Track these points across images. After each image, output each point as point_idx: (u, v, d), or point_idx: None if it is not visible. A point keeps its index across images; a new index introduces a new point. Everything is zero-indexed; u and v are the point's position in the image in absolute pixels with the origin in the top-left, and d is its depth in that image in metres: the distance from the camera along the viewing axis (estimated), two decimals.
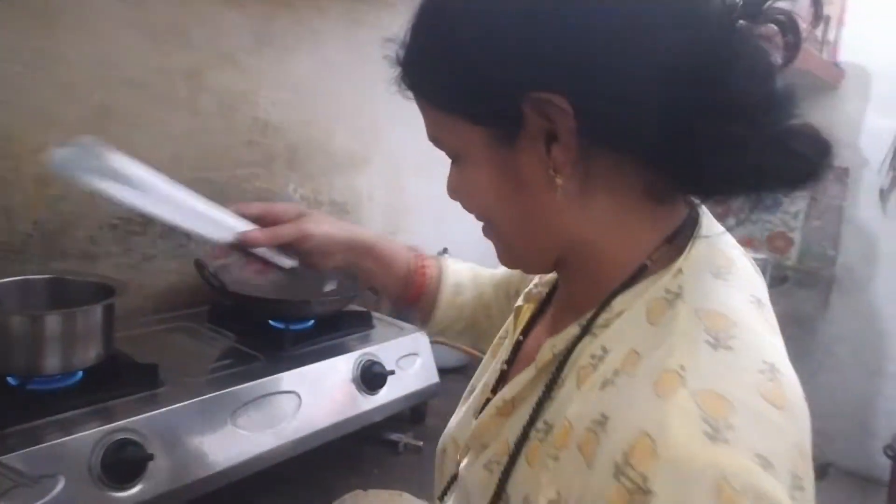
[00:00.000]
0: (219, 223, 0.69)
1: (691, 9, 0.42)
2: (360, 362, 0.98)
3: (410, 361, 1.08)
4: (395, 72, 0.52)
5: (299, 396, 0.88)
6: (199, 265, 0.99)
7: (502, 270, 0.82)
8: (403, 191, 1.51)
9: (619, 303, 0.46)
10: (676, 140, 0.42)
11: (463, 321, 0.82)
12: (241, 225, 0.70)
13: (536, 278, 0.65)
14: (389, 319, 1.16)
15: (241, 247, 0.69)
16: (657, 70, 0.41)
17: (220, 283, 0.97)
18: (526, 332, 0.60)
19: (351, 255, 0.75)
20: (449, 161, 0.52)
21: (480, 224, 0.54)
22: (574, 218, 0.47)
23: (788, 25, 0.43)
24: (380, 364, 1.00)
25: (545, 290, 0.62)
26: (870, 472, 2.73)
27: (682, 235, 0.47)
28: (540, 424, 0.47)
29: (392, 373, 1.00)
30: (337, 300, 1.04)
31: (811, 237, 2.79)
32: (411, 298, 0.80)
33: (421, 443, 1.02)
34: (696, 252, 0.46)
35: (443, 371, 1.22)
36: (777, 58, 0.43)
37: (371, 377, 0.98)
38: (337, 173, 1.34)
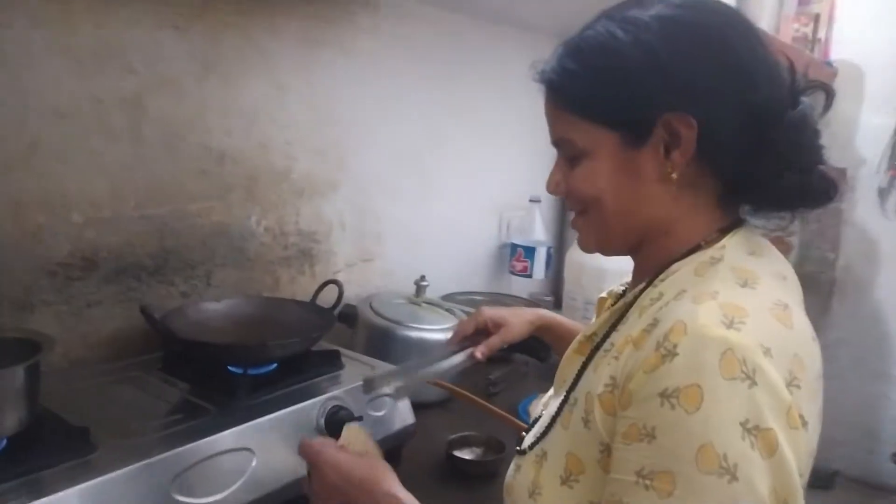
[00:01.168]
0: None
1: (772, 76, 0.61)
2: (325, 408, 0.90)
3: (382, 403, 0.99)
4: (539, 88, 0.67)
5: (253, 453, 0.79)
6: (146, 312, 0.90)
7: None
8: (376, 216, 1.43)
9: (675, 266, 0.62)
10: (748, 164, 0.60)
11: None
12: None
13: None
14: (362, 358, 1.07)
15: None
16: (748, 109, 0.59)
17: (167, 329, 0.89)
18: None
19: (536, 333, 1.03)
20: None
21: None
22: (665, 205, 0.63)
23: (826, 89, 0.65)
24: (347, 410, 0.91)
25: (623, 288, 0.78)
26: (878, 479, 2.63)
27: (733, 229, 0.64)
28: (607, 346, 0.63)
29: (360, 418, 0.91)
30: (297, 342, 0.95)
31: (810, 240, 2.71)
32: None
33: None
34: (738, 237, 0.63)
35: (421, 406, 1.13)
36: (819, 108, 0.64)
37: (337, 424, 0.89)
38: (302, 201, 1.26)
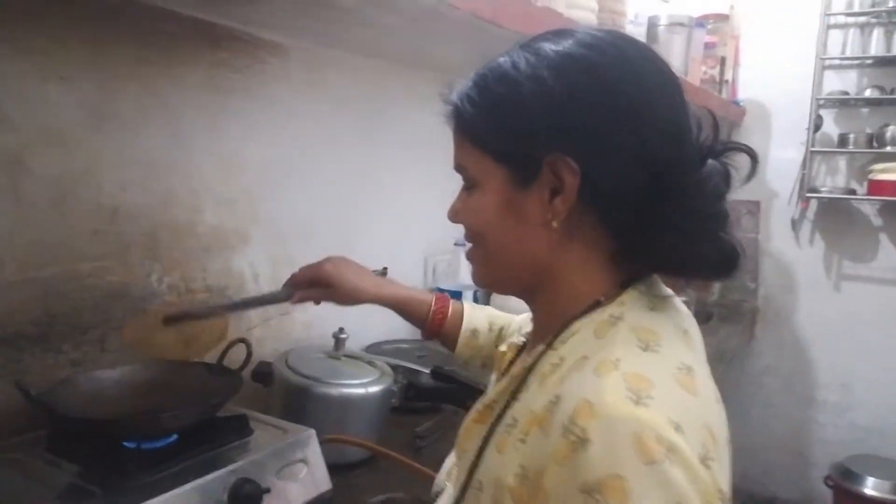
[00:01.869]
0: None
1: (679, 134, 0.58)
2: (229, 483, 0.83)
3: (296, 470, 0.93)
4: (446, 110, 0.65)
5: None
6: (20, 386, 0.82)
7: (520, 321, 0.99)
8: (293, 265, 1.37)
9: (575, 326, 0.59)
10: (641, 222, 0.57)
11: (480, 359, 1.04)
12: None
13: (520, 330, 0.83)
14: (273, 421, 1.01)
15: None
16: (643, 166, 0.56)
17: (45, 405, 0.81)
18: (505, 372, 0.72)
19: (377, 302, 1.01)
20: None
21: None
22: (552, 254, 0.61)
23: (749, 154, 0.61)
24: (253, 482, 0.84)
25: (523, 339, 0.75)
26: (812, 502, 2.69)
27: (633, 281, 0.60)
28: (509, 420, 0.59)
29: (267, 490, 0.85)
30: (195, 410, 0.88)
31: None
32: (429, 336, 1.04)
33: None
34: (637, 291, 0.60)
35: (344, 467, 1.08)
36: (739, 174, 0.61)
37: (242, 500, 0.82)
38: (210, 256, 1.19)
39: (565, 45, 0.58)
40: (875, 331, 2.58)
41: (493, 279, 0.68)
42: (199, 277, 1.18)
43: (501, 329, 1.05)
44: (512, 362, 0.74)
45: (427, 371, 1.28)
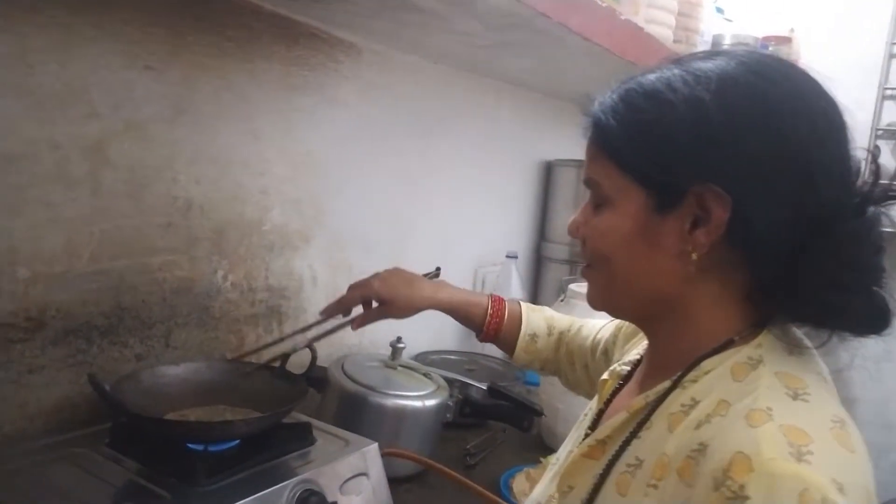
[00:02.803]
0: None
1: (845, 178, 0.53)
2: (295, 494, 0.80)
3: (358, 484, 0.90)
4: (585, 121, 0.62)
5: None
6: (94, 380, 0.80)
7: (588, 330, 0.99)
8: (351, 270, 1.35)
9: (707, 364, 0.55)
10: (791, 267, 0.52)
11: (539, 362, 1.03)
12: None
13: (625, 355, 0.78)
14: (335, 430, 0.98)
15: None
16: (803, 208, 0.51)
17: (118, 402, 0.79)
18: (608, 402, 0.70)
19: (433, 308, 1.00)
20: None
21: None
22: (682, 287, 0.57)
23: None
24: (319, 494, 0.82)
25: (627, 368, 0.72)
26: None
27: (765, 323, 0.56)
28: (631, 460, 0.56)
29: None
30: (266, 418, 0.86)
31: None
32: (486, 339, 1.03)
33: None
34: (773, 333, 0.55)
35: (392, 481, 1.05)
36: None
37: None
38: (273, 255, 1.17)
39: (728, 66, 0.54)
40: None
41: (610, 305, 0.64)
42: (261, 276, 1.16)
43: (561, 333, 1.03)
44: (616, 392, 0.71)
45: (483, 387, 1.25)
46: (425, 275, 1.09)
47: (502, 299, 1.04)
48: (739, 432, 0.47)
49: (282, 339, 1.09)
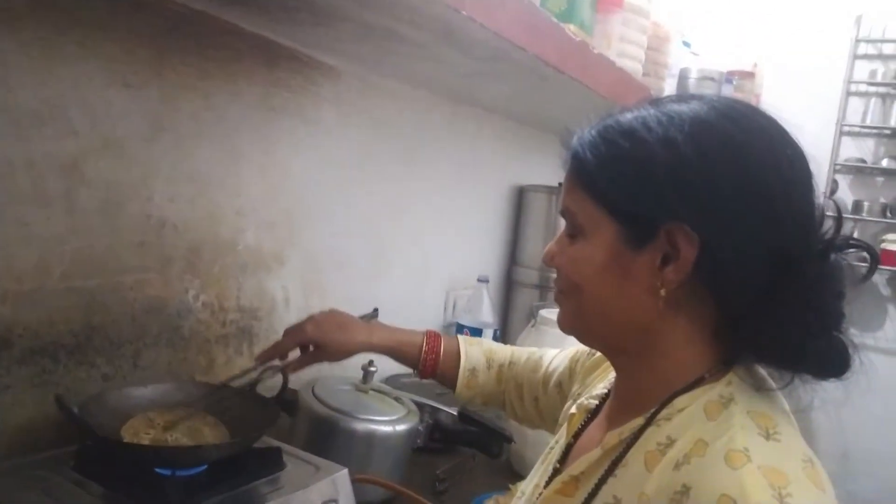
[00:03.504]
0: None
1: (809, 223, 0.56)
2: None
3: None
4: (565, 154, 0.64)
5: None
6: (61, 402, 0.79)
7: (536, 362, 1.00)
8: (325, 291, 1.35)
9: (679, 402, 0.56)
10: (756, 308, 0.54)
11: (481, 397, 1.04)
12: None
13: (590, 388, 0.78)
14: (306, 456, 0.97)
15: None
16: (769, 251, 0.54)
17: (85, 424, 0.77)
18: (576, 436, 0.71)
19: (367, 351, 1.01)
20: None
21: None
22: (652, 321, 0.58)
23: (869, 252, 0.59)
24: None
25: (595, 402, 0.73)
26: None
27: (733, 360, 0.58)
28: (608, 499, 0.56)
29: None
30: (237, 443, 0.85)
31: None
32: (425, 377, 1.04)
33: None
34: (741, 370, 0.57)
35: None
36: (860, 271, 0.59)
37: None
38: (246, 275, 1.17)
39: (701, 110, 0.56)
40: (878, 402, 2.58)
41: (580, 331, 0.66)
42: (233, 296, 1.15)
43: (501, 366, 1.03)
44: (584, 427, 0.72)
45: (453, 412, 1.25)
46: (362, 316, 1.10)
47: (438, 335, 1.05)
48: (722, 474, 0.48)
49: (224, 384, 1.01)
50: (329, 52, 1.22)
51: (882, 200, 2.72)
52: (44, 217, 0.85)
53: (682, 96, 0.60)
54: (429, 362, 1.01)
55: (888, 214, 2.68)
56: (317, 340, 0.98)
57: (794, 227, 0.54)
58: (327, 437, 1.10)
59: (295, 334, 0.99)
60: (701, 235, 0.54)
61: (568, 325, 0.66)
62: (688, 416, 0.55)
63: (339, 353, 1.00)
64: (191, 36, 1.00)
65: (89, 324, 0.92)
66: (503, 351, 1.05)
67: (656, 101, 0.60)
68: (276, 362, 1.01)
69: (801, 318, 0.53)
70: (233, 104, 1.08)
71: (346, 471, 0.94)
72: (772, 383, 0.58)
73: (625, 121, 0.59)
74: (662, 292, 0.56)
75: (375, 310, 1.17)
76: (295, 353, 1.02)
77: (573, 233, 0.62)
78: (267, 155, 1.16)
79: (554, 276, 0.68)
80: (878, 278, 2.69)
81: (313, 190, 1.28)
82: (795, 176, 0.56)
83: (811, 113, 2.75)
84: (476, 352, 1.04)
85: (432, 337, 1.03)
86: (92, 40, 0.87)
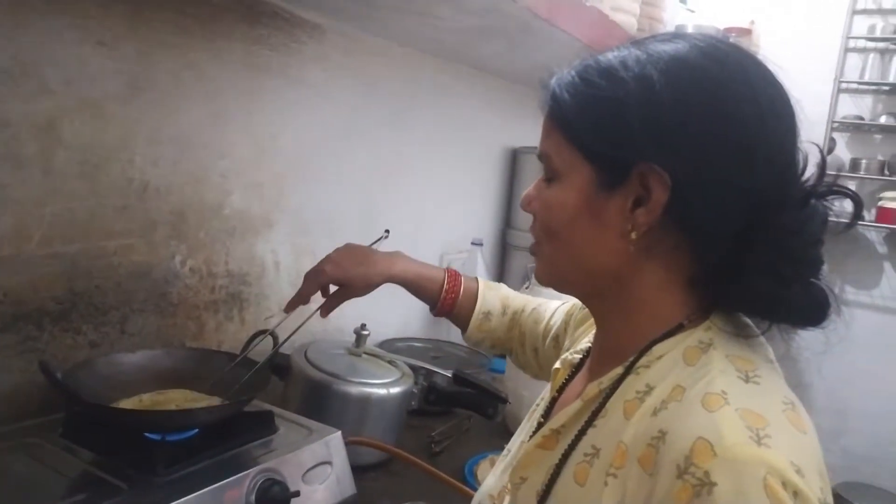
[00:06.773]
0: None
1: (788, 169, 0.54)
2: (256, 483, 0.79)
3: (321, 473, 0.89)
4: (543, 95, 0.61)
5: None
6: (45, 368, 0.77)
7: (542, 314, 0.98)
8: (315, 255, 1.32)
9: (658, 349, 0.55)
10: (731, 257, 0.53)
11: (490, 341, 1.03)
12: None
13: (577, 344, 0.77)
14: (298, 419, 0.96)
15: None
16: (745, 198, 0.52)
17: (70, 391, 0.76)
18: (560, 391, 0.71)
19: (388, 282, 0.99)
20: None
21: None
22: (625, 267, 0.57)
23: (854, 200, 0.56)
24: (281, 483, 0.81)
25: (578, 357, 0.72)
26: None
27: (712, 307, 0.56)
28: (588, 449, 0.55)
29: (297, 494, 0.81)
30: (227, 407, 0.84)
31: None
32: (440, 314, 1.02)
33: None
34: (722, 316, 0.56)
35: (357, 470, 1.04)
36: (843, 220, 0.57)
37: (269, 502, 0.78)
38: (234, 240, 1.15)
39: (680, 48, 0.54)
40: (873, 358, 2.59)
41: (556, 278, 0.64)
42: (221, 261, 1.13)
43: (515, 313, 1.03)
44: (567, 381, 0.71)
45: (448, 374, 1.24)
46: (373, 242, 1.07)
47: (459, 274, 1.04)
48: (698, 418, 0.47)
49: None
50: (314, 9, 1.19)
51: (880, 158, 2.69)
52: (19, 179, 0.82)
53: (669, 35, 0.57)
54: (447, 301, 1.00)
55: (886, 172, 2.66)
56: (338, 279, 0.96)
57: (770, 170, 0.52)
58: (321, 402, 1.10)
59: (315, 277, 0.97)
60: (673, 176, 0.52)
61: (545, 275, 0.64)
62: (667, 362, 0.54)
63: (364, 288, 0.97)
64: None
65: (73, 290, 0.90)
66: (518, 299, 1.04)
67: (640, 42, 0.57)
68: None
69: (777, 264, 0.51)
70: (213, 62, 1.05)
71: (339, 433, 0.94)
72: (755, 329, 0.57)
73: (604, 60, 0.57)
74: (633, 235, 0.54)
75: (387, 231, 1.14)
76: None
77: (550, 176, 0.61)
78: (251, 115, 1.13)
79: None
80: (875, 236, 2.68)
81: (301, 151, 1.25)
82: (774, 117, 0.53)
83: (808, 70, 2.70)
84: (493, 296, 1.03)
85: (453, 276, 1.02)
86: None
